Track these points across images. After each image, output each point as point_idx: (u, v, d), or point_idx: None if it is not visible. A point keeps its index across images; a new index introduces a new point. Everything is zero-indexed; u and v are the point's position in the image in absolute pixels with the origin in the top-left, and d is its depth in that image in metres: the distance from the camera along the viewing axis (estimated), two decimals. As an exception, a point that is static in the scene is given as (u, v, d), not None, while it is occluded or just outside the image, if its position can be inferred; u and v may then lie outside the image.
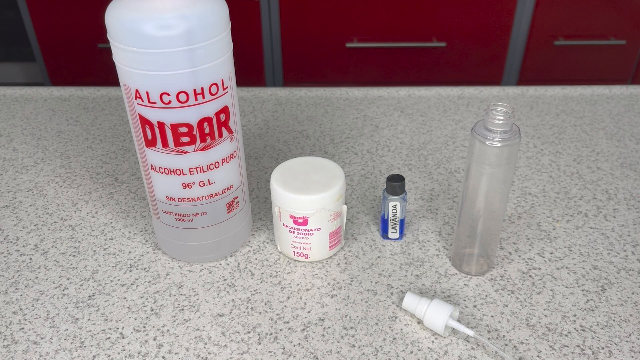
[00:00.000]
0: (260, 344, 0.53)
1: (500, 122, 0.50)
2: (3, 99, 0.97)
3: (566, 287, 0.59)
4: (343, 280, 0.60)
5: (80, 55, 1.72)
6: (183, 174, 0.55)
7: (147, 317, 0.56)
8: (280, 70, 1.71)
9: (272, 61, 1.70)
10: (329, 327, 0.55)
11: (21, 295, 0.59)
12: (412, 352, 0.52)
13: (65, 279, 0.60)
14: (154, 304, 0.57)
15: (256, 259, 0.63)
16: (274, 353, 0.52)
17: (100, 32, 1.67)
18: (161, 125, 0.52)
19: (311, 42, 1.66)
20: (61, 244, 0.65)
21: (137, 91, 0.50)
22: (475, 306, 0.57)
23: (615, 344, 0.53)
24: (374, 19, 1.62)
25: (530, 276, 0.60)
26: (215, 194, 0.57)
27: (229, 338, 0.54)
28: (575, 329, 0.54)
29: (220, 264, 0.62)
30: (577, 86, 0.98)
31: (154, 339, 0.54)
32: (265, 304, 0.57)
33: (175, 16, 0.47)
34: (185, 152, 0.54)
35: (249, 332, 0.54)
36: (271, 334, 0.54)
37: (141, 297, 0.58)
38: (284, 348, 0.53)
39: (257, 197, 0.73)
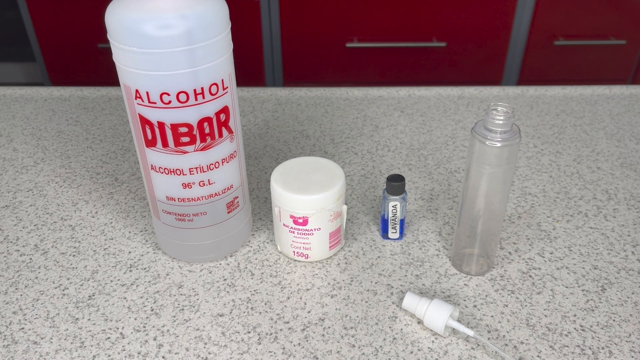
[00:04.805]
0: (260, 344, 0.53)
1: (500, 122, 0.50)
2: (3, 99, 0.97)
3: (566, 287, 0.59)
4: (343, 280, 0.60)
5: (80, 55, 1.72)
6: (183, 174, 0.55)
7: (147, 317, 0.56)
8: (280, 70, 1.72)
9: (272, 61, 1.70)
10: (329, 327, 0.55)
11: (21, 295, 0.59)
12: (412, 352, 0.52)
13: (65, 279, 0.60)
14: (154, 304, 0.57)
15: (256, 259, 0.63)
16: (274, 353, 0.52)
17: (100, 32, 1.67)
18: (161, 125, 0.52)
19: (311, 42, 1.66)
20: (61, 244, 0.65)
21: (137, 91, 0.50)
22: (475, 306, 0.57)
23: (615, 344, 0.53)
24: (374, 19, 1.62)
25: (530, 276, 0.60)
26: (215, 194, 0.57)
27: (229, 338, 0.54)
28: (575, 329, 0.54)
29: (220, 264, 0.62)
30: (577, 86, 0.98)
31: (154, 339, 0.54)
32: (265, 304, 0.57)
33: (175, 16, 0.47)
34: (185, 152, 0.54)
35: (249, 332, 0.54)
36: (271, 334, 0.54)
37: (141, 297, 0.58)
38: (284, 348, 0.53)
39: (257, 197, 0.73)
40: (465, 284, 0.59)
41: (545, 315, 0.56)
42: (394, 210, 0.62)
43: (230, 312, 0.56)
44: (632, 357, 0.52)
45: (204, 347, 0.53)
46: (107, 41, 1.67)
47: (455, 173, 0.77)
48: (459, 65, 1.70)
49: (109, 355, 0.52)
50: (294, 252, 0.61)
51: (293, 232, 0.59)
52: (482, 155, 0.52)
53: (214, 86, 0.52)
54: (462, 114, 0.91)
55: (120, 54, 0.49)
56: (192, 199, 0.57)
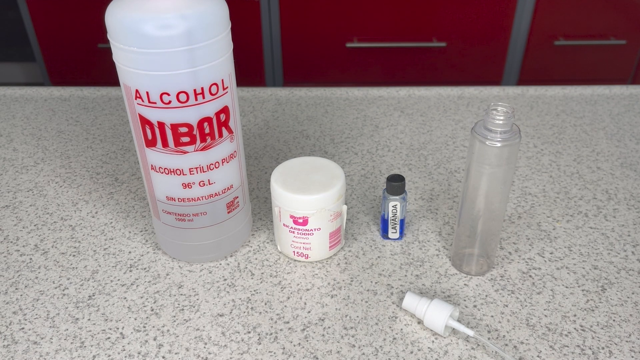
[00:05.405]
0: (260, 344, 0.53)
1: (500, 122, 0.50)
2: (3, 99, 0.97)
3: (566, 287, 0.59)
4: (343, 280, 0.60)
5: (80, 55, 1.72)
6: (183, 174, 0.55)
7: (147, 317, 0.56)
8: (280, 70, 1.72)
9: (272, 61, 1.70)
10: (329, 327, 0.55)
11: (21, 295, 0.59)
12: (412, 352, 0.52)
13: (65, 279, 0.60)
14: (154, 304, 0.57)
15: (256, 259, 0.63)
16: (274, 353, 0.52)
17: (100, 32, 1.67)
18: (161, 125, 0.52)
19: (311, 42, 1.66)
20: (61, 244, 0.65)
21: (137, 91, 0.50)
22: (475, 306, 0.57)
23: (615, 344, 0.53)
24: (374, 19, 1.62)
25: (530, 276, 0.60)
26: (215, 194, 0.57)
27: (229, 338, 0.54)
28: (575, 329, 0.54)
29: (220, 264, 0.62)
30: (577, 86, 0.98)
31: (154, 339, 0.54)
32: (265, 304, 0.57)
33: (175, 16, 0.47)
34: (185, 152, 0.54)
35: (249, 332, 0.54)
36: (271, 334, 0.54)
37: (141, 297, 0.58)
38: (284, 348, 0.53)
39: (257, 197, 0.73)
40: (465, 284, 0.59)
41: (545, 315, 0.56)
42: (394, 210, 0.62)
43: (230, 312, 0.56)
44: (632, 357, 0.52)
45: (204, 347, 0.53)
46: (107, 41, 1.67)
47: (455, 173, 0.77)
48: (459, 65, 1.70)
49: (109, 355, 0.52)
50: (294, 252, 0.61)
51: (293, 232, 0.59)
52: (482, 155, 0.52)
53: (214, 86, 0.52)
54: (462, 114, 0.91)
55: (120, 54, 0.49)
56: (192, 199, 0.57)
